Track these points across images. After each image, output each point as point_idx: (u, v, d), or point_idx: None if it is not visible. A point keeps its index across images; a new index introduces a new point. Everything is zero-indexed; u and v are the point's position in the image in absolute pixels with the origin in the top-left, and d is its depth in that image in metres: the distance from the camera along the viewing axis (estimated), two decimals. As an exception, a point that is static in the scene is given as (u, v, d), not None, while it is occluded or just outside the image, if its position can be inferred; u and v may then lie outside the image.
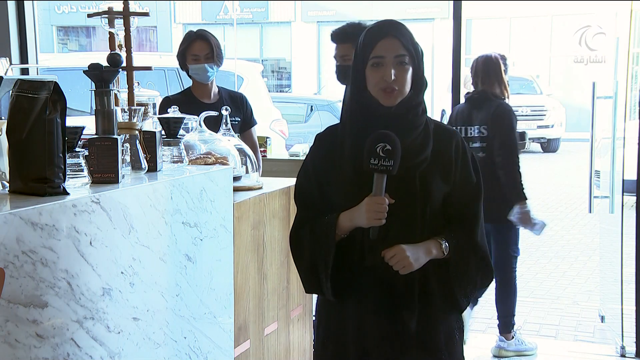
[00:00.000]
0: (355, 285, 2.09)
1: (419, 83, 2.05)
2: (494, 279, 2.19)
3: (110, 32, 2.70)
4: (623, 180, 4.31)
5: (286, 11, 20.87)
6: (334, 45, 3.58)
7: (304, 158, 2.29)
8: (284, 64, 21.66)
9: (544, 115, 14.85)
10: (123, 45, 2.65)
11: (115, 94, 2.50)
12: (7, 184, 1.94)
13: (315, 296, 2.68)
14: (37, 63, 5.07)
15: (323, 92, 17.30)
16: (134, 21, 2.66)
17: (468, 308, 4.04)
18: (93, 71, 2.17)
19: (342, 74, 3.56)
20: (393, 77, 1.98)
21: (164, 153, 2.49)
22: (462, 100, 4.30)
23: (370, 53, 2.01)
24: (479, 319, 4.91)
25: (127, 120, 2.31)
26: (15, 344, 1.66)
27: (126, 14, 2.62)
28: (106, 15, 2.65)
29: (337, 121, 2.22)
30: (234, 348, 2.65)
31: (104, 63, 2.29)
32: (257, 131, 3.96)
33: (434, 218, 2.07)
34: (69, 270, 1.80)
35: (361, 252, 2.06)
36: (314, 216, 2.11)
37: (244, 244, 2.75)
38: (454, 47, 4.12)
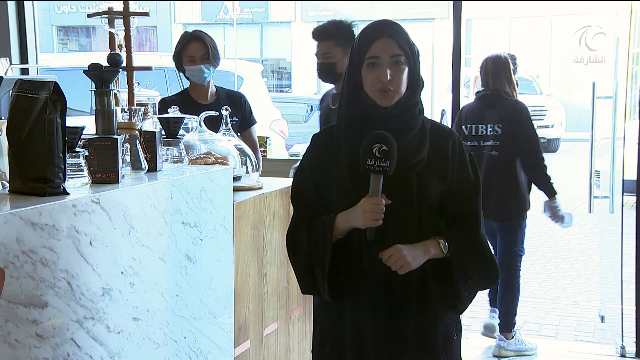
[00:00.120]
0: (352, 286, 2.09)
1: (415, 83, 2.04)
2: (498, 278, 2.18)
3: (110, 32, 2.70)
4: (623, 180, 4.31)
5: (286, 11, 20.88)
6: (315, 43, 3.58)
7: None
8: (284, 64, 21.67)
9: (544, 115, 14.85)
10: (123, 45, 2.65)
11: (115, 94, 2.50)
12: (7, 184, 1.94)
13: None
14: (37, 63, 5.07)
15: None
16: (134, 21, 2.65)
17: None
18: (93, 71, 2.17)
19: (324, 72, 3.56)
20: (389, 77, 1.98)
21: (164, 153, 2.49)
22: (460, 99, 4.31)
23: (366, 53, 2.01)
24: (479, 319, 4.91)
25: (127, 120, 2.31)
26: (15, 344, 1.66)
27: (126, 14, 2.62)
28: (106, 15, 2.65)
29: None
30: (234, 348, 2.65)
31: (104, 63, 2.29)
32: (257, 131, 3.96)
33: (431, 218, 2.07)
34: (69, 270, 1.81)
35: (358, 253, 2.06)
36: (311, 217, 2.11)
37: (244, 244, 2.75)
38: (454, 47, 4.12)
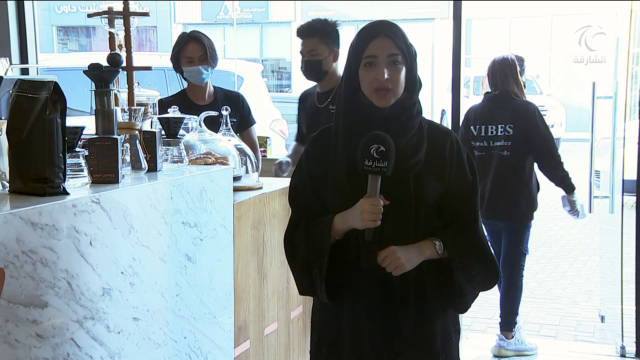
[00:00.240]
0: (350, 287, 2.08)
1: (413, 84, 2.03)
2: (500, 277, 2.17)
3: (110, 32, 2.70)
4: (623, 180, 4.31)
5: (286, 11, 20.88)
6: (300, 41, 3.57)
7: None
8: (284, 64, 21.66)
9: (544, 115, 14.84)
10: (123, 45, 2.65)
11: (115, 94, 2.50)
12: (7, 184, 1.94)
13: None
14: (37, 63, 5.07)
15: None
16: (134, 21, 2.65)
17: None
18: (93, 71, 2.17)
19: (310, 70, 3.54)
20: (386, 77, 1.97)
21: (164, 153, 2.49)
22: (460, 99, 4.31)
23: (363, 53, 2.01)
24: (479, 319, 4.91)
25: (127, 120, 2.31)
26: (15, 344, 1.66)
27: (126, 14, 2.62)
28: (106, 15, 2.65)
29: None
30: (234, 348, 2.65)
31: (104, 63, 2.29)
32: (257, 131, 3.96)
33: (429, 219, 2.06)
34: (69, 270, 1.81)
35: (356, 254, 2.05)
36: (309, 218, 2.10)
37: (244, 244, 2.75)
38: (454, 47, 4.12)
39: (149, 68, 2.87)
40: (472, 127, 4.21)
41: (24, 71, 4.92)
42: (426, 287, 2.09)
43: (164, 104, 3.29)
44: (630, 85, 4.33)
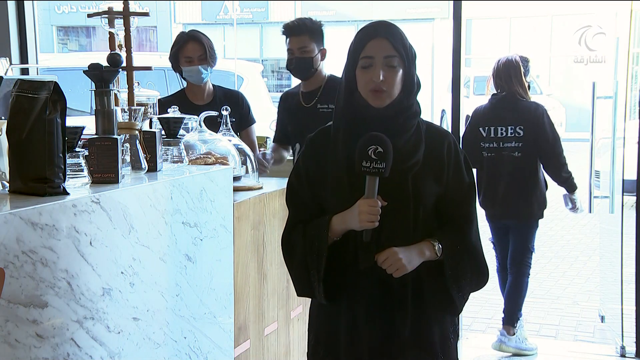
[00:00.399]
0: (347, 288, 2.08)
1: (410, 85, 2.03)
2: (489, 280, 2.17)
3: (110, 32, 2.70)
4: (623, 180, 4.31)
5: (286, 11, 20.87)
6: (287, 39, 3.51)
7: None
8: (284, 64, 21.65)
9: (546, 115, 14.82)
10: (123, 45, 2.65)
11: (115, 94, 2.50)
12: (7, 184, 1.94)
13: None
14: (37, 63, 5.06)
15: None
16: (134, 21, 2.65)
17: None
18: (93, 71, 2.17)
19: (300, 67, 3.49)
20: (381, 78, 1.97)
21: (164, 153, 2.49)
22: (460, 99, 4.31)
23: (360, 53, 2.01)
24: (479, 319, 4.91)
25: (127, 120, 2.31)
26: (15, 344, 1.66)
27: (126, 14, 2.62)
28: (106, 15, 2.66)
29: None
30: (234, 348, 2.65)
31: (104, 63, 2.29)
32: (257, 131, 3.94)
33: (427, 220, 2.06)
34: (69, 270, 1.81)
35: (354, 255, 2.05)
36: (306, 218, 2.10)
37: (244, 244, 2.75)
38: (454, 47, 4.12)
39: (149, 68, 2.87)
40: (480, 129, 4.25)
41: (24, 71, 4.92)
42: (424, 288, 2.09)
43: (162, 104, 3.28)
44: (630, 85, 4.33)
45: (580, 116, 15.16)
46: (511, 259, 4.27)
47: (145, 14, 2.69)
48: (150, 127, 2.72)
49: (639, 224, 4.01)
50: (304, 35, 3.47)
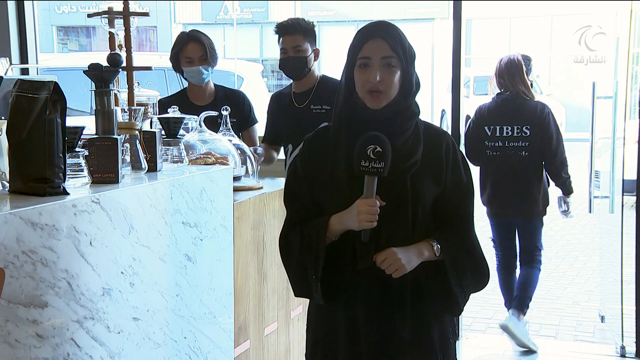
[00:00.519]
0: (346, 289, 2.07)
1: (408, 86, 2.02)
2: (489, 280, 2.17)
3: (110, 32, 2.70)
4: (623, 180, 4.31)
5: (286, 11, 20.87)
6: (280, 38, 3.48)
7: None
8: (283, 64, 21.61)
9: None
10: (123, 45, 2.65)
11: (115, 94, 2.50)
12: (7, 184, 1.94)
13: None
14: (37, 63, 5.06)
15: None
16: (134, 21, 2.66)
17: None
18: (93, 71, 2.17)
19: (294, 66, 3.46)
20: (378, 79, 1.97)
21: (164, 153, 2.49)
22: (460, 99, 4.32)
23: (358, 54, 2.00)
24: (479, 319, 4.91)
25: (127, 120, 2.31)
26: (15, 344, 1.66)
27: (126, 14, 2.62)
28: (106, 15, 2.66)
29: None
30: (234, 348, 2.65)
31: (104, 63, 2.29)
32: (258, 131, 3.93)
33: (425, 220, 2.06)
34: (69, 270, 1.81)
35: (352, 255, 2.04)
36: (304, 219, 2.10)
37: (244, 244, 2.75)
38: (454, 47, 4.12)
39: (149, 68, 2.87)
40: (485, 127, 4.30)
41: (24, 71, 4.92)
42: (423, 288, 2.08)
43: (163, 104, 3.28)
44: (630, 85, 4.33)
45: (580, 116, 15.16)
46: (522, 257, 4.37)
47: (145, 14, 2.69)
48: (151, 127, 2.72)
49: (639, 224, 4.01)
50: (298, 34, 3.45)
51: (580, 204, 8.67)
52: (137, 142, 2.28)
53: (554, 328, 4.85)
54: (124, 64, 2.55)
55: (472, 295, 2.20)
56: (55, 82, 1.87)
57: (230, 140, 3.03)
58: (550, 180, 4.33)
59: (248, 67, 10.15)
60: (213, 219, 2.45)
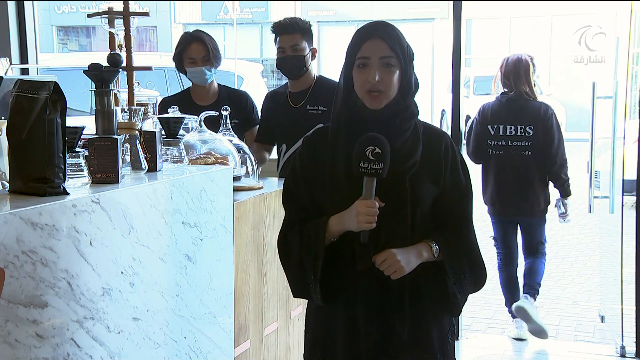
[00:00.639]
0: (345, 289, 2.07)
1: (407, 86, 2.02)
2: (486, 280, 2.18)
3: (110, 32, 2.70)
4: (623, 180, 4.32)
5: (286, 11, 20.85)
6: (278, 37, 3.48)
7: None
8: (284, 64, 21.59)
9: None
10: (123, 45, 2.65)
11: (115, 94, 2.50)
12: (7, 184, 1.94)
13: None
14: (37, 63, 5.06)
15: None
16: (134, 21, 2.66)
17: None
18: (93, 71, 2.17)
19: (292, 65, 3.45)
20: (377, 79, 1.96)
21: (164, 153, 2.49)
22: (460, 99, 4.33)
23: (357, 54, 2.00)
24: (479, 319, 4.91)
25: (127, 120, 2.31)
26: (15, 344, 1.66)
27: (126, 14, 2.62)
28: (106, 15, 2.66)
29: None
30: (234, 348, 2.65)
31: (104, 63, 2.29)
32: None
33: (424, 221, 2.06)
34: (69, 270, 1.81)
35: (351, 256, 2.04)
36: (303, 219, 2.09)
37: (244, 244, 2.75)
38: (454, 47, 4.12)
39: (149, 68, 2.87)
40: (489, 126, 4.35)
41: (24, 71, 4.92)
42: (422, 289, 2.08)
43: (166, 103, 3.28)
44: (630, 85, 4.34)
45: (580, 116, 15.15)
46: (526, 252, 4.45)
47: (145, 14, 2.69)
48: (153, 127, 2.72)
49: (639, 224, 4.01)
50: (296, 33, 3.44)
51: (580, 204, 8.69)
52: (137, 142, 2.28)
53: (554, 328, 4.85)
54: (124, 64, 2.55)
55: (472, 295, 2.21)
56: (55, 82, 1.87)
57: (231, 140, 3.03)
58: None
59: (248, 67, 10.14)
60: (213, 219, 2.45)
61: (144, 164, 2.29)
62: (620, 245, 4.30)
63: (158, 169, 2.36)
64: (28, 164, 1.85)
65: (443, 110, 13.98)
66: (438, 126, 2.42)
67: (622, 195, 4.33)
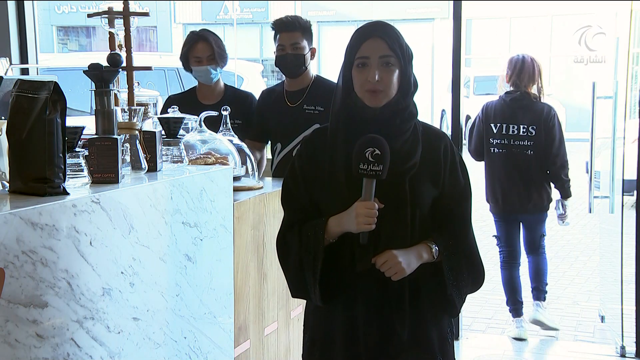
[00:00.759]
0: (344, 290, 2.06)
1: (406, 86, 2.02)
2: (484, 281, 2.18)
3: (110, 32, 2.71)
4: (623, 180, 4.32)
5: (286, 11, 20.84)
6: (278, 34, 3.46)
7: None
8: (284, 64, 21.59)
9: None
10: (123, 45, 2.65)
11: (115, 94, 2.50)
12: (7, 184, 1.94)
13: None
14: (37, 63, 5.07)
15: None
16: (134, 21, 2.66)
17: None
18: (93, 71, 2.17)
19: (292, 63, 3.44)
20: (377, 78, 1.96)
21: (164, 153, 2.49)
22: (460, 99, 4.34)
23: (356, 53, 2.00)
24: (479, 319, 4.91)
25: (127, 120, 2.31)
26: (15, 344, 1.66)
27: (126, 14, 2.62)
28: (106, 15, 2.66)
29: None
30: (234, 348, 2.65)
31: (104, 63, 2.29)
32: None
33: (424, 222, 2.05)
34: (69, 270, 1.81)
35: (351, 257, 2.04)
36: (302, 220, 2.09)
37: (244, 244, 2.75)
38: (454, 47, 4.12)
39: (149, 68, 2.87)
40: (492, 125, 4.40)
41: (24, 71, 4.92)
42: (422, 289, 2.08)
43: (172, 101, 3.27)
44: (630, 85, 4.34)
45: (580, 116, 15.15)
46: (528, 248, 4.50)
47: (145, 14, 2.69)
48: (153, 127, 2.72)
49: (639, 224, 4.01)
50: (297, 31, 3.43)
51: (580, 204, 8.69)
52: (137, 142, 2.28)
53: (554, 328, 4.85)
54: (124, 64, 2.55)
55: (472, 295, 2.21)
56: (55, 82, 1.87)
57: (231, 140, 3.03)
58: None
59: (248, 67, 10.15)
60: (213, 219, 2.45)
61: (144, 164, 2.29)
62: (620, 245, 4.30)
63: (158, 169, 2.36)
64: (28, 164, 1.85)
65: (443, 110, 13.98)
66: (438, 126, 2.42)
67: (622, 195, 4.33)
